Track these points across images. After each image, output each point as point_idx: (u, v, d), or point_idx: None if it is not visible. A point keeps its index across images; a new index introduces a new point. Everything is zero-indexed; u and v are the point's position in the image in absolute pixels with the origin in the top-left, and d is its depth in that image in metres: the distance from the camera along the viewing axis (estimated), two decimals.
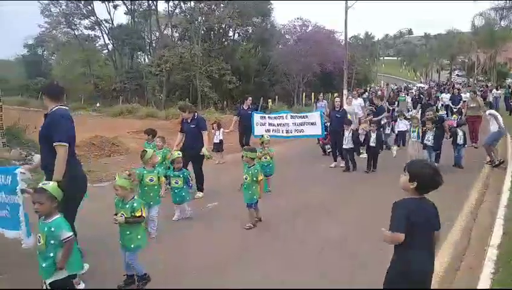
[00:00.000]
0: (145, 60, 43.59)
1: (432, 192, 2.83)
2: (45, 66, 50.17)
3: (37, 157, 10.47)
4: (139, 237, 4.14)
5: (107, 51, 42.43)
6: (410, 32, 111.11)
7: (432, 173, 2.78)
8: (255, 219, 5.90)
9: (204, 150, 7.20)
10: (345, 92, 27.25)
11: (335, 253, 4.99)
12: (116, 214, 4.13)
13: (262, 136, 7.94)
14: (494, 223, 5.51)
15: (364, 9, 37.61)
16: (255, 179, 5.71)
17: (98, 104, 33.30)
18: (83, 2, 36.19)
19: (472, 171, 9.19)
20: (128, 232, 4.09)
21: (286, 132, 10.68)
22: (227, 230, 5.87)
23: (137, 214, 4.07)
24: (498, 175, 8.79)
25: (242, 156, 5.97)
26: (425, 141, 9.21)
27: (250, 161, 5.85)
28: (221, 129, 11.16)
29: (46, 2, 36.44)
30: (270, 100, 27.72)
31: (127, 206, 4.11)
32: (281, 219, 6.31)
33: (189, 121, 7.46)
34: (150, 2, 37.20)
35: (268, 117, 11.04)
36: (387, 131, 12.88)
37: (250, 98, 11.94)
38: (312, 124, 10.34)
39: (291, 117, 10.70)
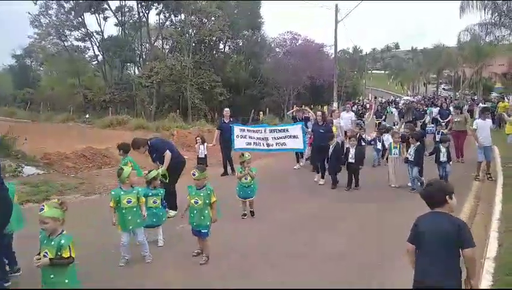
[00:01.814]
0: (135, 71, 43.49)
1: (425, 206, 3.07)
2: (33, 77, 49.75)
3: (26, 169, 10.35)
4: (66, 281, 3.46)
5: (96, 62, 42.27)
6: (397, 46, 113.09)
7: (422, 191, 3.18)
8: (199, 251, 5.28)
9: (160, 171, 6.39)
10: (335, 104, 27.59)
11: (332, 267, 4.98)
12: (39, 253, 3.44)
13: (242, 154, 7.21)
14: (488, 236, 5.55)
15: (353, 25, 38.21)
16: (207, 201, 5.06)
17: (87, 116, 32.99)
18: (73, 13, 36.04)
19: (462, 185, 9.23)
20: (52, 276, 3.42)
21: (267, 146, 10.11)
22: (223, 242, 5.82)
23: (65, 254, 3.39)
24: (489, 188, 8.90)
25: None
26: (407, 155, 9.00)
27: (202, 181, 5.14)
28: (205, 144, 10.71)
29: (36, 13, 36.27)
30: (261, 112, 27.81)
31: (53, 243, 3.41)
32: (267, 236, 6.26)
33: (148, 152, 7.17)
34: (141, 14, 37.30)
35: (248, 130, 10.46)
36: (379, 146, 12.29)
37: (227, 109, 11.55)
38: (294, 137, 9.84)
39: (270, 131, 10.14)
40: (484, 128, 9.73)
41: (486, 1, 22.37)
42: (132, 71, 44.90)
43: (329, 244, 5.75)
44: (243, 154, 7.16)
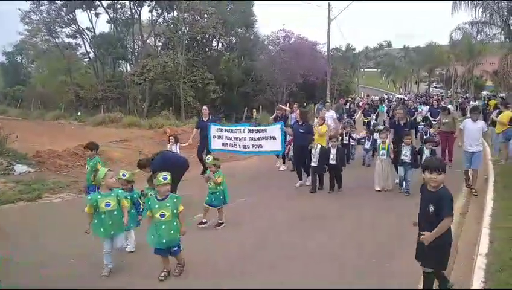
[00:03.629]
0: (127, 69, 43.19)
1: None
2: (24, 74, 49.28)
3: (18, 167, 10.25)
4: None
5: (88, 59, 41.92)
6: (389, 44, 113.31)
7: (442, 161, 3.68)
8: (166, 272, 4.62)
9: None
10: (328, 102, 27.62)
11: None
12: None
13: (210, 159, 6.61)
14: (480, 232, 5.60)
15: (346, 23, 38.29)
16: (175, 211, 4.48)
17: (79, 113, 32.78)
18: (64, 10, 35.67)
19: (453, 183, 9.18)
20: None
21: (243, 147, 9.73)
22: (205, 250, 5.79)
23: None
24: (480, 185, 8.94)
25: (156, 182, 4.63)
26: (402, 157, 8.31)
27: (167, 188, 4.50)
28: (179, 144, 10.12)
29: (27, 9, 35.85)
30: (254, 110, 27.80)
31: None
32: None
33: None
34: (133, 11, 37.03)
35: (225, 130, 10.13)
36: (367, 146, 11.86)
37: (205, 107, 11.18)
38: (272, 138, 9.40)
39: (249, 131, 9.73)
40: (472, 131, 8.55)
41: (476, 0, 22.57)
42: (124, 68, 44.63)
43: (315, 246, 5.74)
44: (210, 158, 6.66)
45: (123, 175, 5.48)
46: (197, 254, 5.14)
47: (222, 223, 6.44)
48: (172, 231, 4.46)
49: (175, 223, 4.47)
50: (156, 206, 4.45)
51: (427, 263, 3.87)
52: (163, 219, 4.41)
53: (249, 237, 6.07)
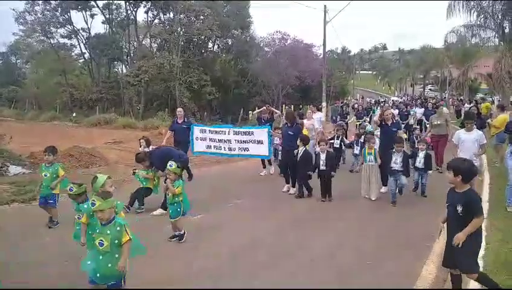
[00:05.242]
0: (122, 70, 43.07)
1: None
2: (19, 75, 49.01)
3: (12, 168, 10.17)
4: None
5: (83, 60, 41.74)
6: (384, 47, 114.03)
7: (470, 165, 3.92)
8: None
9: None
10: (323, 104, 27.72)
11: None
12: None
13: (173, 165, 5.78)
14: None
15: (341, 25, 38.36)
16: (117, 241, 3.59)
17: (74, 114, 32.63)
18: (59, 10, 35.53)
19: (447, 186, 9.11)
20: None
21: (229, 150, 9.26)
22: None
23: None
24: (475, 187, 8.96)
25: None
26: (392, 164, 7.60)
27: (107, 213, 3.63)
28: (151, 147, 9.43)
29: (21, 9, 35.72)
30: (250, 112, 27.81)
31: None
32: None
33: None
34: (129, 11, 36.95)
35: (209, 131, 9.60)
36: (356, 151, 10.95)
37: (180, 109, 10.62)
38: (258, 142, 8.97)
39: (235, 133, 9.24)
40: (468, 142, 7.38)
41: (473, 1, 22.74)
42: (120, 69, 44.49)
43: (310, 248, 5.71)
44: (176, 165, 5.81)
45: (70, 189, 4.74)
46: (189, 259, 5.11)
47: (177, 236, 5.73)
48: (109, 265, 3.58)
49: (116, 256, 3.59)
50: (97, 230, 3.67)
51: (461, 265, 3.84)
52: (101, 247, 3.58)
53: (242, 239, 5.97)
